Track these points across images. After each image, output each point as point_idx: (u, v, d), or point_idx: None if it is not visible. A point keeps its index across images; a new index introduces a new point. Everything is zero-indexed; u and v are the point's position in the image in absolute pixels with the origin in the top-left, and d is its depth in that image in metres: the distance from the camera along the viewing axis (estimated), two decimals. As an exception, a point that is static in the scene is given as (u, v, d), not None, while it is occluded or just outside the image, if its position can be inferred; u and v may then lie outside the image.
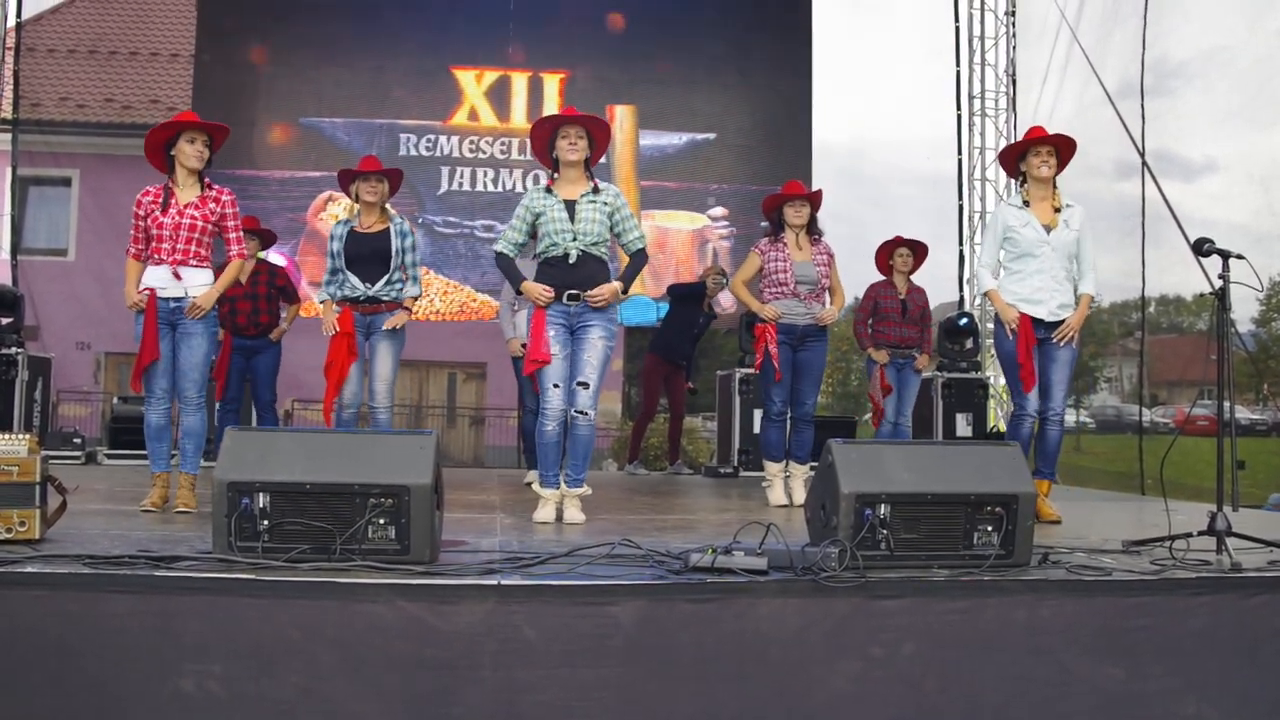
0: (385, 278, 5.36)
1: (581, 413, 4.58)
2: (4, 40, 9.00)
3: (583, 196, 4.60)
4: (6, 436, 3.41)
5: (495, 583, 2.95)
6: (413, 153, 9.84)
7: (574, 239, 4.55)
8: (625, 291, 4.69)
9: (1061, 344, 4.90)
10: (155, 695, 2.83)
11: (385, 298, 5.37)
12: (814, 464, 5.60)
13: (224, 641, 2.85)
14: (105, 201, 14.30)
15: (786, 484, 5.76)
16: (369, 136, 9.81)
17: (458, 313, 10.13)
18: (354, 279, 5.35)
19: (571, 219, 4.56)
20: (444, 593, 2.93)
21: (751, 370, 8.42)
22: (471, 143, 10.01)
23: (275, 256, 7.36)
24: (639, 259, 4.73)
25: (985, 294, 5.19)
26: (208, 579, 2.91)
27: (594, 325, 4.59)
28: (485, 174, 10.02)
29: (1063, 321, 4.91)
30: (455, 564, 3.17)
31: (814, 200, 5.74)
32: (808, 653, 3.03)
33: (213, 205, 4.71)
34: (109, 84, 15.87)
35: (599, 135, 4.71)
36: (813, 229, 5.73)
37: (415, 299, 5.48)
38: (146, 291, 4.62)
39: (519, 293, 4.77)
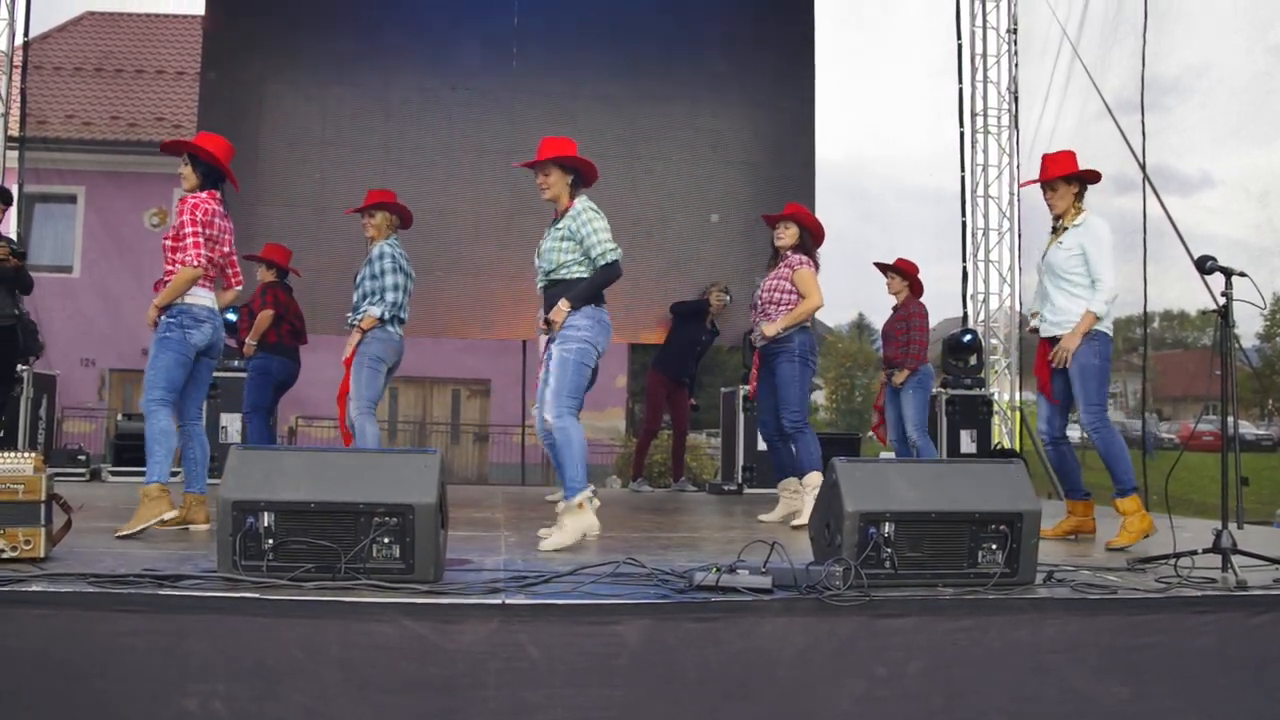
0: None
1: (545, 418, 4.45)
2: (11, 58, 9.05)
3: (550, 228, 4.60)
4: (12, 455, 3.42)
5: (500, 602, 2.96)
6: (414, 173, 9.77)
7: (539, 272, 4.60)
8: (574, 305, 4.45)
9: (1054, 364, 4.88)
10: (160, 715, 2.83)
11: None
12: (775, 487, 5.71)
13: (228, 661, 2.85)
14: (110, 218, 14.42)
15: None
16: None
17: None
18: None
19: (539, 254, 4.61)
20: (448, 612, 2.93)
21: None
22: (475, 163, 9.93)
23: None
24: (603, 271, 4.48)
25: None
26: (212, 598, 2.91)
27: (555, 344, 4.53)
28: (489, 195, 9.94)
29: (1056, 339, 4.90)
30: (460, 583, 3.18)
31: (792, 219, 5.69)
32: (813, 672, 3.03)
33: (173, 219, 4.54)
34: (115, 102, 15.97)
35: (571, 166, 4.57)
36: (800, 248, 5.68)
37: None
38: None
39: None
